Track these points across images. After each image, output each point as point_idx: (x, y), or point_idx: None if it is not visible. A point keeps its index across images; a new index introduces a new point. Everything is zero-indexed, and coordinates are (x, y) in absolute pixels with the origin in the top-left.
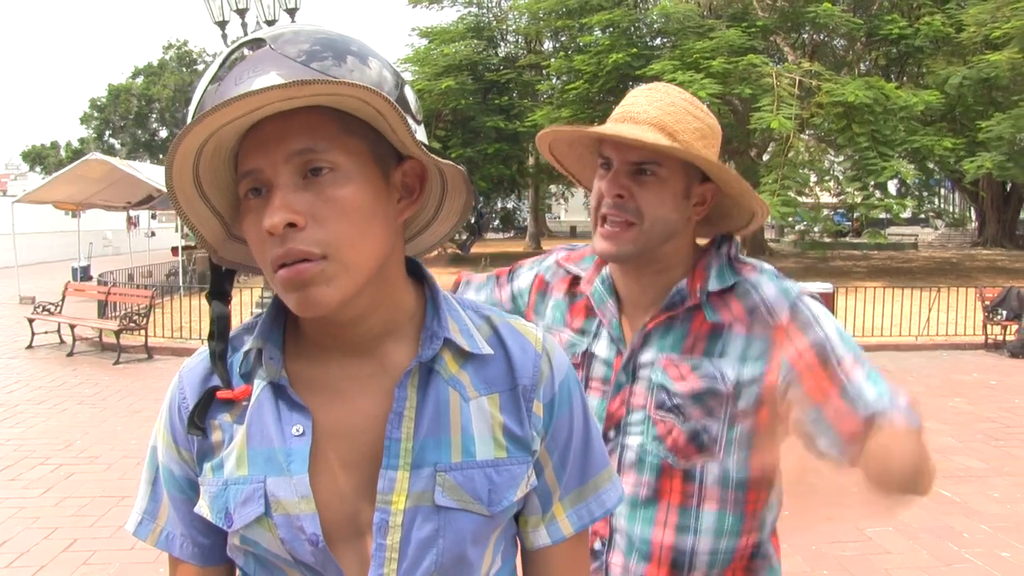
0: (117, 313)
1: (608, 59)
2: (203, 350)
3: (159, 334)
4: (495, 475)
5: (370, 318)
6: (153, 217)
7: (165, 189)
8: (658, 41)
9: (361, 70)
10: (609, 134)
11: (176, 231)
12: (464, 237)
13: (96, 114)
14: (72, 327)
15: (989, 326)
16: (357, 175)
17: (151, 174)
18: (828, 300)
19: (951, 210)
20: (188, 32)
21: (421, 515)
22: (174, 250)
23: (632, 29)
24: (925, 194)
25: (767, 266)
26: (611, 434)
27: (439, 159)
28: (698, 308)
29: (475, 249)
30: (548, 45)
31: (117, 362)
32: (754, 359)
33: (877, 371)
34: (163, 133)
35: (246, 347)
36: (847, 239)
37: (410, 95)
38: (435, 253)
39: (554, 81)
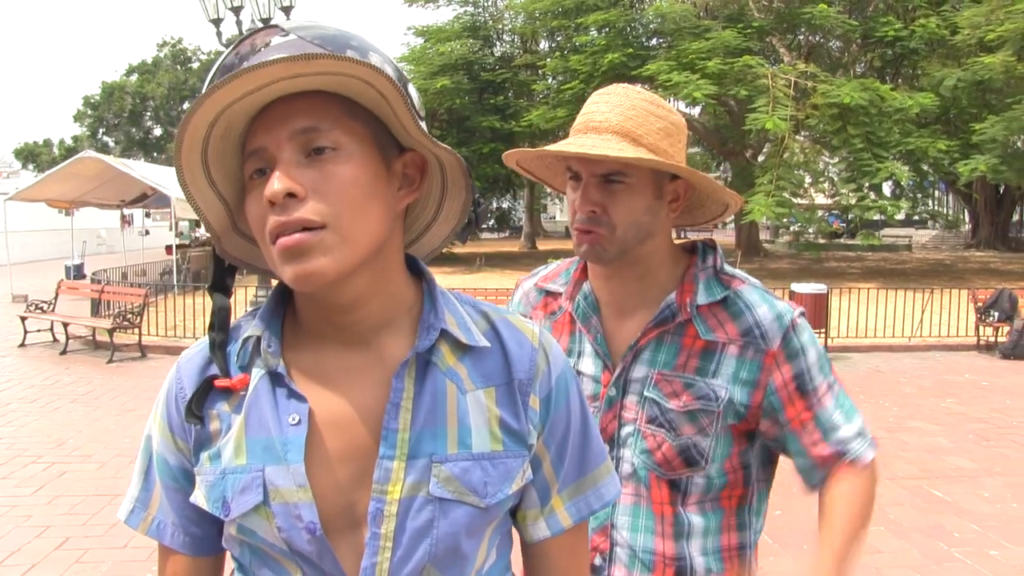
0: (110, 312)
1: (604, 59)
2: (202, 341)
3: (153, 333)
4: (491, 468)
5: (368, 304)
6: (147, 215)
7: (160, 186)
8: (654, 41)
9: None
10: (573, 153)
11: (170, 230)
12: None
13: (90, 112)
14: (65, 325)
15: (981, 327)
16: (359, 155)
17: (145, 172)
18: (822, 301)
19: (945, 212)
20: (183, 30)
21: (416, 505)
22: (168, 249)
23: (628, 29)
24: (919, 196)
25: (753, 280)
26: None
27: (439, 144)
28: (688, 322)
29: (470, 248)
30: (544, 45)
31: (110, 361)
32: (745, 381)
33: (843, 392)
34: (157, 131)
35: (245, 334)
36: (841, 240)
37: (412, 91)
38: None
39: (550, 81)
